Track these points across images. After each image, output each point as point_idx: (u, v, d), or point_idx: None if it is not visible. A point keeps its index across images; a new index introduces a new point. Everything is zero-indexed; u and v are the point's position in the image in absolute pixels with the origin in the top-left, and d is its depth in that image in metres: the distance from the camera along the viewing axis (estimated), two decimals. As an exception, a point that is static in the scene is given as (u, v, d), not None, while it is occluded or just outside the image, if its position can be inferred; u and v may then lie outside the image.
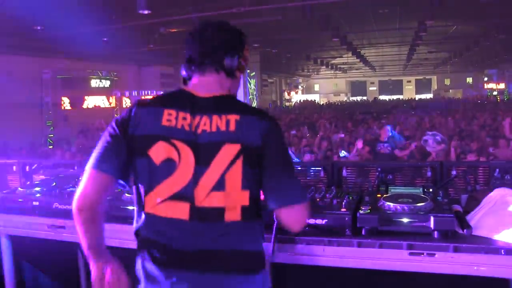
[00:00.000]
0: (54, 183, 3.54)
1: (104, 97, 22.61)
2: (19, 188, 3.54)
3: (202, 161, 1.83)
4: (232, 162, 1.82)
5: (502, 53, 30.84)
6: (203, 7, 13.87)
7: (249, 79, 30.50)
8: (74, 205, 1.90)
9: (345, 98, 50.38)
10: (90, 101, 21.91)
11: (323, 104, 40.08)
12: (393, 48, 32.05)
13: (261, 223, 1.95)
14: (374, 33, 26.07)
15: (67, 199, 3.17)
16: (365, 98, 50.00)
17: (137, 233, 1.95)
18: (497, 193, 2.68)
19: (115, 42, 17.66)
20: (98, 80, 22.25)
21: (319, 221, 2.47)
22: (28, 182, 3.93)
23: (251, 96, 31.30)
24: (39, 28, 14.14)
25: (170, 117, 1.87)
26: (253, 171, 1.85)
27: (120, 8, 13.68)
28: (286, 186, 1.89)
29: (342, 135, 12.72)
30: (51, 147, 14.06)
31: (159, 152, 1.86)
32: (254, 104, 31.40)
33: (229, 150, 1.82)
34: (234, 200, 1.83)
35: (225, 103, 1.92)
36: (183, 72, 2.01)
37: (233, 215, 1.83)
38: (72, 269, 3.86)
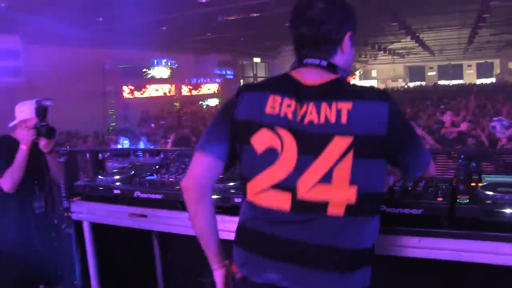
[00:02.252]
0: (133, 172, 3.55)
1: (163, 86, 23.00)
2: (99, 177, 3.57)
3: (309, 152, 1.74)
4: (343, 156, 1.71)
5: None
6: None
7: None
8: (182, 185, 1.95)
9: (403, 84, 49.31)
10: (150, 90, 22.32)
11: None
12: (453, 31, 31.06)
13: (369, 220, 1.81)
14: (433, 16, 25.29)
15: (148, 188, 3.20)
16: (423, 83, 48.81)
17: (240, 220, 1.93)
18: None
19: (173, 31, 17.86)
20: (157, 69, 22.65)
21: (414, 211, 2.36)
22: (106, 171, 3.98)
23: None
24: (100, 19, 14.44)
25: (274, 104, 1.80)
26: (370, 162, 1.74)
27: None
28: (421, 156, 1.89)
29: None
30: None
31: (261, 140, 1.80)
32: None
33: (340, 143, 1.71)
34: (339, 195, 1.72)
35: (335, 89, 1.79)
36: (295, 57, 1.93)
37: (336, 210, 1.73)
38: (149, 257, 3.93)
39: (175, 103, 23.55)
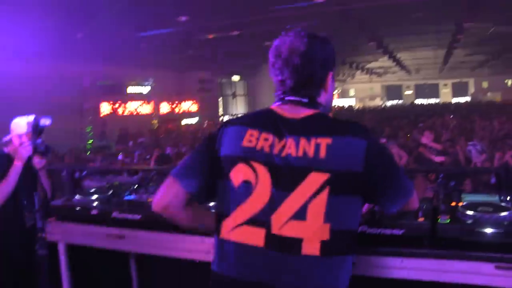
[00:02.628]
0: (111, 192, 3.49)
1: (142, 103, 22.87)
2: (76, 197, 3.50)
3: (284, 186, 1.72)
4: (318, 192, 1.68)
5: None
6: (242, 13, 13.84)
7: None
8: (153, 205, 1.93)
9: (381, 103, 49.82)
10: (129, 107, 22.17)
11: (358, 108, 39.66)
12: (429, 51, 31.60)
13: (344, 258, 1.76)
14: (410, 36, 25.70)
15: (126, 208, 3.15)
16: (401, 102, 49.41)
17: (212, 261, 1.87)
18: None
19: (153, 48, 17.82)
20: (136, 86, 22.55)
21: (396, 231, 2.35)
22: (81, 190, 3.91)
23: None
24: (80, 35, 14.35)
25: (251, 138, 1.80)
26: (346, 199, 1.72)
27: (159, 15, 13.78)
28: (401, 189, 1.84)
29: (383, 141, 12.45)
30: (88, 153, 14.13)
31: (238, 174, 1.78)
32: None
33: (316, 179, 1.69)
34: (313, 233, 1.68)
35: (315, 124, 1.79)
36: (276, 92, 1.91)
37: (311, 248, 1.68)
38: (126, 279, 3.83)
39: (154, 121, 23.43)
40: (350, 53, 30.28)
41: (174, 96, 25.21)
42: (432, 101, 47.61)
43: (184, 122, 25.60)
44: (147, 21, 14.24)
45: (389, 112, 29.94)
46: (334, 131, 1.75)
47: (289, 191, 1.70)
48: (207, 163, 1.86)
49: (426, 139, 9.49)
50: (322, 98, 1.89)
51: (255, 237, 1.72)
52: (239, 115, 2.01)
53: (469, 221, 2.33)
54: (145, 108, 23.11)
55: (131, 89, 22.32)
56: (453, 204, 2.60)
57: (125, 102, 21.80)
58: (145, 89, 22.96)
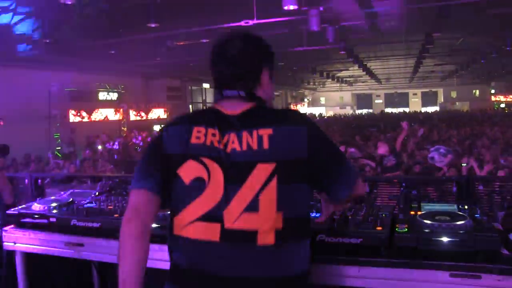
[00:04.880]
0: (71, 199, 3.42)
1: (111, 110, 22.64)
2: (35, 204, 3.41)
3: (234, 181, 1.73)
4: (266, 182, 1.71)
5: (509, 65, 30.83)
6: (211, 20, 13.81)
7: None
8: (124, 219, 1.82)
9: (351, 111, 50.30)
10: (97, 114, 21.94)
11: (325, 117, 39.92)
12: (399, 60, 32.02)
13: (299, 245, 1.79)
14: (380, 46, 26.05)
15: (86, 216, 3.08)
16: (371, 111, 49.96)
17: (169, 257, 1.86)
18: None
19: (122, 55, 17.69)
20: (105, 93, 22.32)
21: (353, 240, 2.35)
22: (43, 198, 3.83)
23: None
24: (47, 41, 14.15)
25: (199, 134, 1.81)
26: (294, 187, 1.75)
27: (128, 21, 13.68)
28: (345, 175, 1.87)
29: (353, 150, 12.46)
30: (60, 158, 13.86)
31: (188, 171, 1.79)
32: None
33: (263, 170, 1.72)
34: (267, 223, 1.70)
35: (255, 117, 1.82)
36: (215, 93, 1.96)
37: (266, 238, 1.70)
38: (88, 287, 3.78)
39: (123, 128, 23.20)
40: (320, 62, 30.55)
41: (143, 103, 25.02)
42: (402, 110, 48.21)
43: (155, 129, 25.45)
44: (117, 27, 14.13)
45: (359, 121, 30.20)
46: (273, 121, 1.79)
47: (239, 185, 1.72)
48: (158, 162, 1.85)
49: (382, 150, 9.54)
50: (259, 93, 1.92)
51: (210, 232, 1.73)
52: (183, 114, 1.99)
53: (426, 230, 2.33)
54: (114, 115, 22.89)
55: (100, 96, 22.08)
56: (412, 213, 2.61)
57: (94, 108, 21.57)
58: (114, 96, 22.73)
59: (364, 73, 34.52)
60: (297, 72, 32.67)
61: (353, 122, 29.17)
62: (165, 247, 2.51)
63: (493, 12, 14.16)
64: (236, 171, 1.74)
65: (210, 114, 1.87)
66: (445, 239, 2.27)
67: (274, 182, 1.71)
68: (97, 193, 3.52)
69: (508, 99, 42.28)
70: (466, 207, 2.68)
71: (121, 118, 23.25)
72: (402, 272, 2.28)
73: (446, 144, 13.06)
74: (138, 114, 24.61)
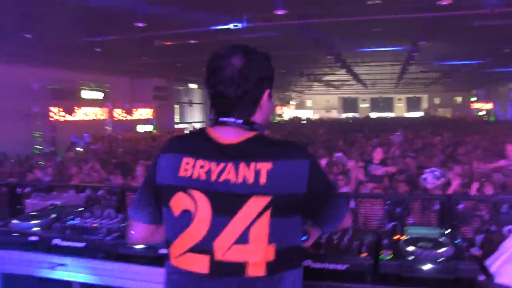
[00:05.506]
0: (53, 216, 3.28)
1: (95, 109, 22.43)
2: (15, 220, 3.26)
3: (224, 212, 1.70)
4: (260, 215, 1.68)
5: (488, 74, 31.35)
6: (199, 23, 13.77)
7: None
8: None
9: (337, 115, 50.54)
10: (81, 113, 21.70)
11: (314, 120, 39.97)
12: (385, 67, 32.22)
13: (292, 273, 1.78)
14: (367, 52, 26.19)
15: (69, 235, 2.99)
16: (356, 114, 50.31)
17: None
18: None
19: (108, 53, 17.54)
20: (89, 91, 22.08)
21: (339, 267, 2.37)
22: (23, 208, 3.74)
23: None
24: (28, 36, 13.94)
25: (187, 166, 1.78)
26: (287, 219, 1.73)
27: (115, 20, 13.56)
28: (336, 210, 1.89)
29: (339, 155, 12.32)
30: (41, 163, 13.64)
31: (177, 203, 1.77)
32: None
33: (257, 203, 1.68)
34: (258, 255, 1.69)
35: (254, 148, 1.76)
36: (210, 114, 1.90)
37: (256, 270, 1.69)
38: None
39: (107, 127, 23.00)
40: (308, 65, 30.62)
41: (129, 102, 24.85)
42: (387, 114, 48.61)
43: (139, 129, 25.30)
44: (103, 25, 14.01)
45: (344, 125, 30.35)
46: (274, 154, 1.74)
47: (230, 217, 1.69)
48: (152, 193, 1.87)
49: (378, 155, 9.56)
50: (257, 117, 1.85)
51: (199, 264, 1.72)
52: (175, 138, 1.95)
53: (410, 257, 2.37)
54: (99, 114, 22.69)
55: (84, 94, 21.81)
56: (396, 237, 2.64)
57: (77, 107, 21.33)
58: (99, 95, 22.51)
59: (351, 77, 34.70)
60: (285, 75, 32.69)
61: (339, 126, 29.32)
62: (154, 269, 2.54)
63: (478, 24, 14.32)
64: (227, 202, 1.71)
65: (205, 142, 1.81)
66: (427, 267, 2.31)
67: (267, 215, 1.68)
68: (81, 209, 3.45)
69: (487, 107, 42.91)
70: (447, 231, 2.72)
71: (105, 117, 23.05)
72: (386, 298, 2.32)
73: (429, 151, 13.20)
74: (123, 114, 24.44)
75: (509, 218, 3.01)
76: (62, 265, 2.93)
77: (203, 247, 1.71)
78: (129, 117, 24.86)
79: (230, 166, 1.73)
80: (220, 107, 1.84)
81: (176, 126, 29.33)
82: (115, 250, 2.81)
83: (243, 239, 1.68)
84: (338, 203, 1.90)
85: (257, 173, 1.70)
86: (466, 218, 3.25)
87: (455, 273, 2.30)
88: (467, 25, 15.12)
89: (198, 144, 1.83)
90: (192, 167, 1.77)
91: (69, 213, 3.35)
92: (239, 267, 1.69)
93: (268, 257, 1.69)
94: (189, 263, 1.74)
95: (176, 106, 30.85)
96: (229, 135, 1.80)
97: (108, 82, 22.88)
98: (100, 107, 22.64)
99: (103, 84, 22.57)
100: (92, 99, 22.29)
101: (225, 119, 1.82)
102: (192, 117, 32.71)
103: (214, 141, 1.80)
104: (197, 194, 1.74)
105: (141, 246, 2.73)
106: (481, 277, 2.37)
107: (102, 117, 22.92)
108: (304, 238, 2.49)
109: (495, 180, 8.62)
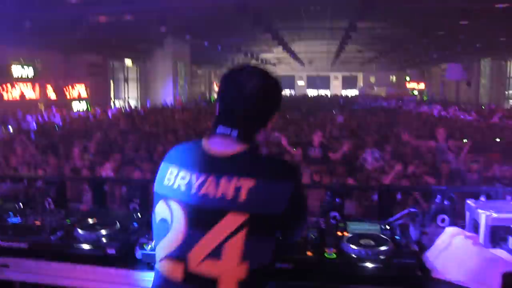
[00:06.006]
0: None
1: (27, 86, 21.48)
2: None
3: (199, 226, 1.74)
4: (235, 232, 1.70)
5: (423, 55, 32.40)
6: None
7: (179, 71, 30.14)
8: None
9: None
10: (11, 90, 20.70)
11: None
12: (322, 45, 32.69)
13: None
14: (305, 29, 26.45)
15: (11, 236, 2.87)
16: (293, 92, 50.85)
17: None
18: (451, 234, 2.74)
19: (39, 28, 16.78)
20: (20, 68, 21.09)
21: (284, 265, 2.44)
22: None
23: (180, 89, 30.97)
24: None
25: (170, 176, 1.83)
26: (263, 239, 1.76)
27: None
28: (302, 225, 1.97)
29: (276, 134, 12.32)
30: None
31: (159, 211, 1.85)
32: (183, 97, 31.11)
33: (233, 220, 1.70)
34: (229, 272, 1.71)
35: (241, 163, 1.79)
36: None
37: (227, 287, 1.71)
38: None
39: (39, 105, 22.12)
40: (246, 43, 30.62)
41: (62, 79, 23.97)
42: (323, 92, 49.35)
43: (74, 106, 24.54)
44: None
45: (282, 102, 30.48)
46: (259, 172, 1.75)
47: (205, 231, 1.72)
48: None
49: (317, 138, 9.70)
50: (260, 136, 1.89)
51: (175, 271, 1.77)
52: (177, 146, 1.97)
53: (352, 255, 2.47)
54: (30, 91, 21.75)
55: (14, 70, 20.80)
56: (339, 233, 2.73)
57: (6, 83, 20.34)
58: (30, 71, 21.54)
59: (288, 55, 34.97)
60: (222, 52, 32.55)
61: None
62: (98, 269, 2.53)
63: (414, 6, 14.73)
64: (203, 216, 1.74)
65: (195, 153, 1.85)
66: (369, 265, 2.43)
67: (242, 233, 1.69)
68: (21, 205, 3.36)
69: (420, 87, 44.43)
70: (387, 227, 2.84)
71: (38, 95, 22.15)
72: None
73: (365, 132, 13.53)
74: (57, 91, 23.54)
75: (441, 208, 3.18)
76: (4, 265, 2.83)
77: (178, 256, 1.76)
78: (63, 95, 23.98)
79: (211, 179, 1.75)
80: (227, 120, 1.85)
81: (111, 103, 28.70)
82: (61, 250, 2.75)
83: (216, 254, 1.71)
84: (305, 220, 1.97)
85: (238, 190, 1.72)
86: (404, 208, 3.41)
87: (395, 269, 2.41)
88: (403, 7, 15.55)
89: (187, 154, 1.87)
90: (174, 177, 1.82)
91: (8, 209, 3.23)
92: (210, 282, 1.72)
93: (239, 275, 1.71)
94: (167, 269, 1.80)
95: (111, 83, 30.12)
96: (221, 147, 1.83)
97: (40, 58, 21.94)
98: (32, 84, 21.71)
99: (35, 59, 21.62)
100: (24, 77, 21.29)
101: (221, 130, 1.84)
102: (127, 94, 32.10)
103: (205, 152, 1.83)
104: (174, 205, 1.79)
105: (88, 246, 2.71)
106: (419, 272, 2.51)
107: (34, 95, 22.01)
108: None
109: (426, 160, 8.97)
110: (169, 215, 1.79)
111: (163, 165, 1.90)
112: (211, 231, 1.71)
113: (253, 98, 1.83)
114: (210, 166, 1.79)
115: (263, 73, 1.89)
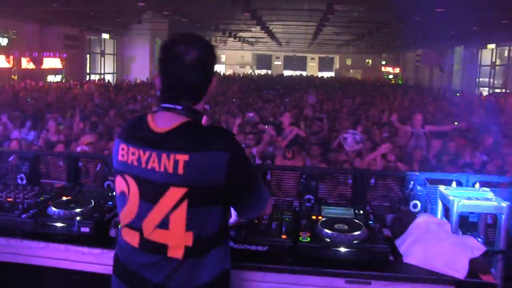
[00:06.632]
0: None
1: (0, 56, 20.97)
2: None
3: (149, 199, 1.86)
4: (177, 205, 1.81)
5: (398, 40, 32.66)
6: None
7: (156, 48, 29.79)
8: None
9: (250, 71, 50.68)
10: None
11: (228, 75, 39.86)
12: (300, 26, 32.61)
13: (210, 255, 1.89)
14: (283, 10, 26.35)
15: None
16: (269, 72, 50.74)
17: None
18: (422, 220, 2.81)
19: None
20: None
21: (260, 248, 2.48)
22: None
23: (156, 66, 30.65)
24: None
25: (123, 152, 1.93)
26: (205, 210, 1.84)
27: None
28: (256, 198, 1.99)
29: (251, 114, 12.23)
30: None
31: (117, 184, 1.97)
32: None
33: (175, 193, 1.80)
34: (177, 240, 1.84)
35: (177, 138, 1.83)
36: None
37: (175, 253, 1.85)
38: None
39: (13, 76, 21.65)
40: (224, 21, 30.38)
41: (37, 51, 23.47)
42: (299, 73, 49.38)
43: (48, 79, 24.09)
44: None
45: (257, 82, 30.46)
46: (193, 146, 1.80)
47: (153, 203, 1.85)
48: None
49: (286, 120, 9.62)
50: (200, 105, 1.93)
51: (132, 238, 1.93)
52: (125, 124, 2.11)
53: (326, 239, 2.52)
54: (3, 62, 21.25)
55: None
56: (313, 217, 2.77)
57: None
58: (3, 40, 21.05)
59: (266, 34, 34.81)
60: (200, 29, 32.25)
61: (252, 83, 29.39)
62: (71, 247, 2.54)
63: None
64: (151, 189, 1.85)
65: (141, 129, 1.91)
66: (342, 249, 2.48)
67: (184, 205, 1.80)
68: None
69: (396, 71, 44.81)
70: (361, 211, 2.90)
71: (11, 65, 21.66)
72: (304, 278, 2.47)
73: (339, 114, 13.53)
74: (31, 62, 23.05)
75: (414, 194, 3.25)
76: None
77: (134, 225, 1.91)
78: (37, 66, 23.47)
79: (154, 155, 1.84)
80: (171, 93, 1.90)
81: (87, 77, 28.29)
82: (33, 229, 2.72)
83: (164, 225, 1.84)
84: (259, 192, 1.99)
85: (175, 164, 1.80)
86: (378, 193, 3.47)
87: (368, 254, 2.47)
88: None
89: (134, 131, 1.94)
90: (126, 153, 1.91)
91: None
92: (161, 247, 1.86)
93: (186, 242, 1.84)
94: (127, 236, 1.96)
95: (87, 56, 29.65)
96: (162, 123, 1.88)
97: (14, 27, 21.41)
98: (5, 54, 21.22)
99: (8, 29, 21.10)
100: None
101: (167, 105, 1.89)
102: (103, 68, 31.67)
103: (148, 129, 1.89)
104: (129, 179, 1.91)
105: (61, 224, 2.69)
106: (391, 258, 2.58)
107: (7, 66, 21.51)
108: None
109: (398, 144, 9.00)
110: (127, 189, 1.92)
111: (116, 141, 1.99)
112: (158, 203, 1.84)
113: (193, 68, 1.86)
114: (153, 142, 1.85)
115: (200, 41, 1.92)
